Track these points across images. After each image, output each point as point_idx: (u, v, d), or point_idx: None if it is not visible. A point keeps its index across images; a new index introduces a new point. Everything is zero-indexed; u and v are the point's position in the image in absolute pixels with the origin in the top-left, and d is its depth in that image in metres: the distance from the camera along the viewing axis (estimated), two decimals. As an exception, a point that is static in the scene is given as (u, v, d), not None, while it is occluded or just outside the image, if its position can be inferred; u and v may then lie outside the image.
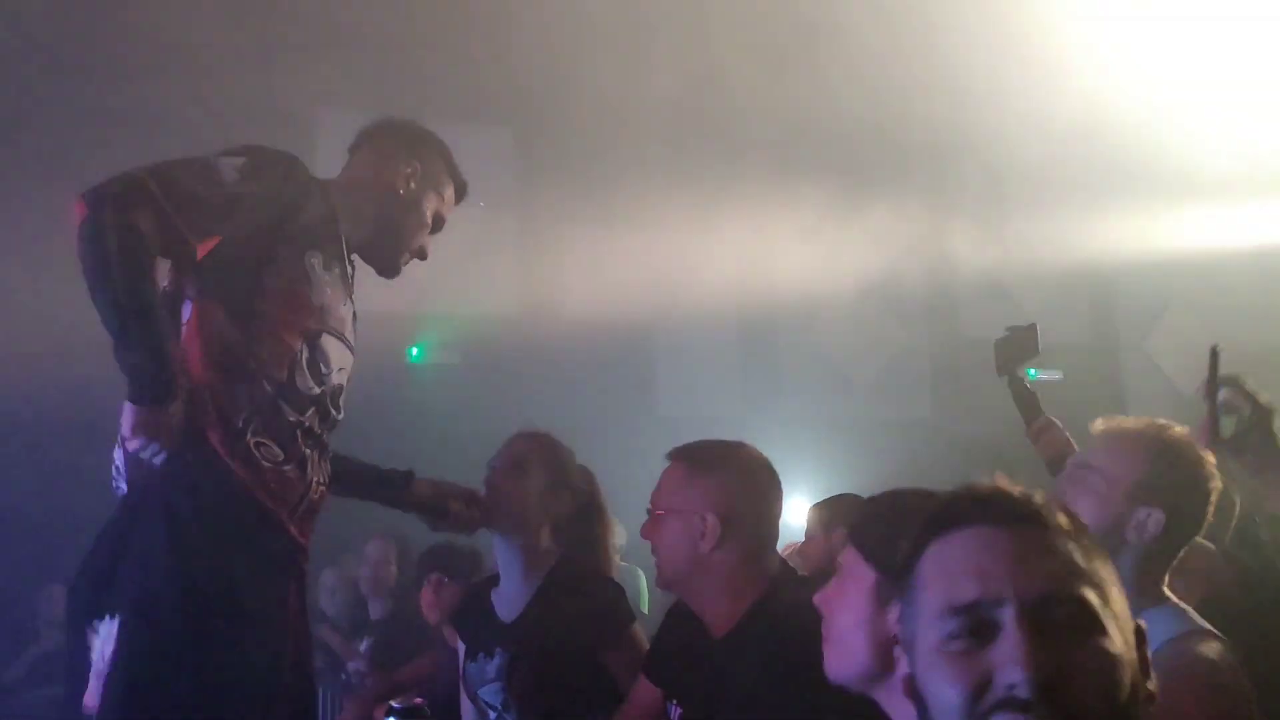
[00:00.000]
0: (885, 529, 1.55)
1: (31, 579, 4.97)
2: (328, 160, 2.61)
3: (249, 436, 2.18)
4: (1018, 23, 5.93)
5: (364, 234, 2.44)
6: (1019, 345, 3.53)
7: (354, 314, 2.46)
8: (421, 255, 2.54)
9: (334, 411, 2.36)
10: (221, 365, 2.17)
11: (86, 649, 2.12)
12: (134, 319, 2.02)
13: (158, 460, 2.10)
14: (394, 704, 1.82)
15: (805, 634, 1.71)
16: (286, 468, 2.23)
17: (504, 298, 7.31)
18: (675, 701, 2.25)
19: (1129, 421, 2.01)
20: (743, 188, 7.19)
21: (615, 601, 2.66)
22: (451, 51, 6.20)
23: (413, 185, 2.50)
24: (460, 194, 2.62)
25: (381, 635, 4.31)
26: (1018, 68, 6.35)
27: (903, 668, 1.17)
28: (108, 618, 2.09)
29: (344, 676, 4.33)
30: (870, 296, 7.75)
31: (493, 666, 2.65)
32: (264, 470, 2.20)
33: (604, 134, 7.21)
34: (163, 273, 2.22)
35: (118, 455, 2.20)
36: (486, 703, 2.66)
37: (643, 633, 2.65)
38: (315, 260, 2.30)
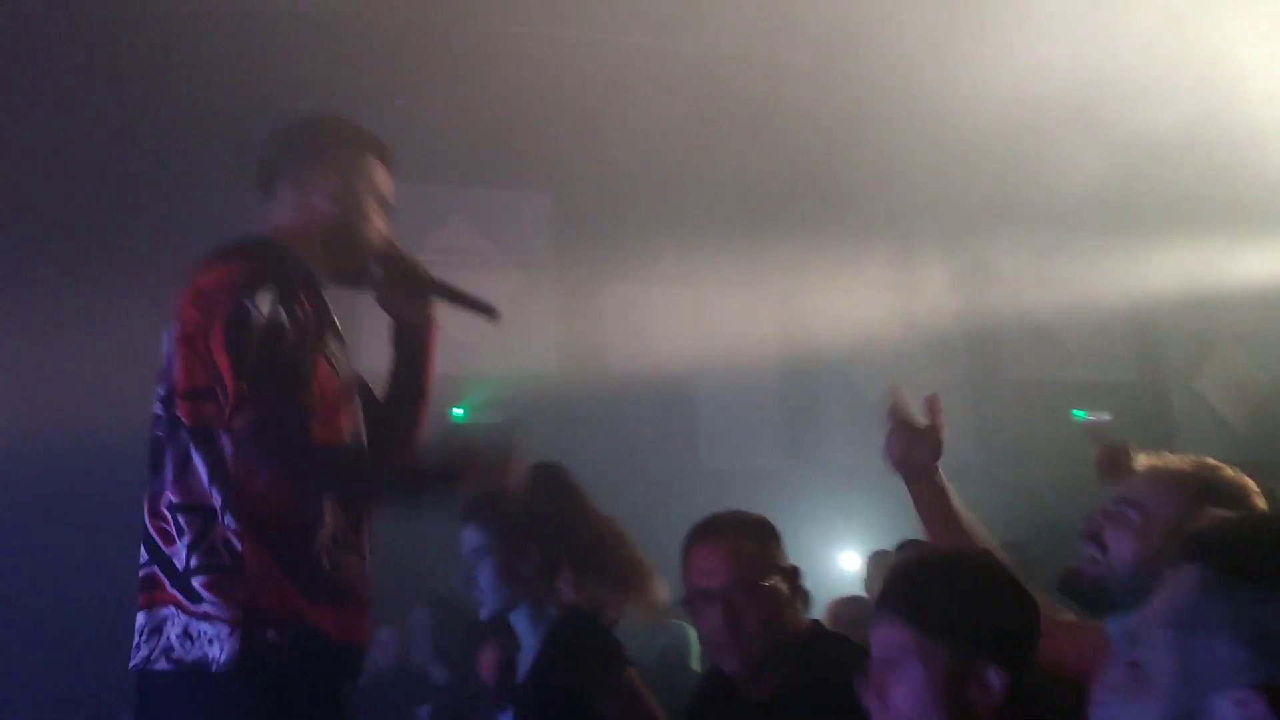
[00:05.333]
0: (958, 599, 1.55)
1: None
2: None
3: (327, 559, 2.11)
4: (1055, 59, 5.93)
5: (327, 270, 2.30)
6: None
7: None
8: (387, 250, 2.37)
9: None
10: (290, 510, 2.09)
11: None
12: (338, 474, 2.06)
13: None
14: None
15: (842, 694, 1.69)
16: (361, 564, 2.18)
17: (545, 356, 7.35)
18: None
19: (1176, 460, 1.95)
20: (780, 239, 7.22)
21: (608, 652, 2.64)
22: (487, 115, 6.32)
23: (342, 197, 2.30)
24: (385, 158, 2.39)
25: (440, 701, 4.31)
26: (1057, 108, 6.36)
27: None
28: None
29: None
30: (911, 341, 7.71)
31: None
32: (343, 591, 2.13)
33: (641, 191, 7.29)
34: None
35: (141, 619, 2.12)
36: None
37: (640, 681, 2.63)
38: (329, 339, 2.21)
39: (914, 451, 2.27)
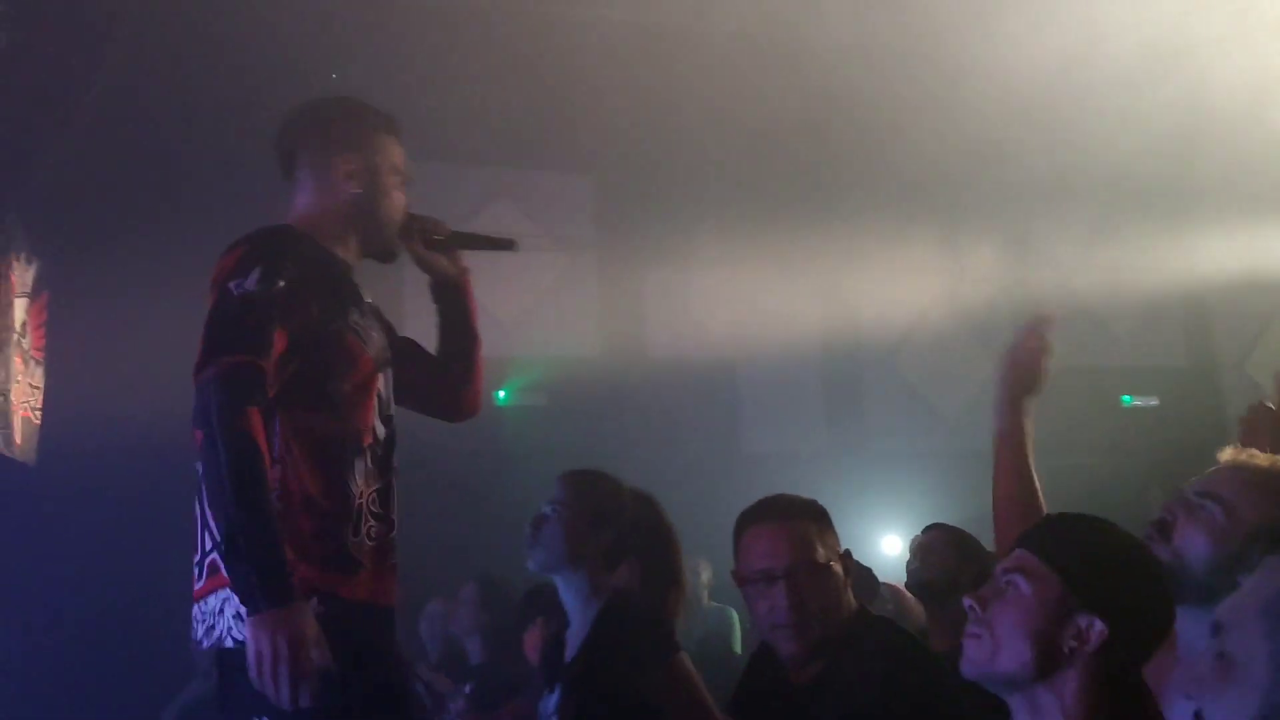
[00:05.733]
0: (1081, 549, 1.56)
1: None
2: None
3: (359, 529, 2.19)
4: (1106, 28, 5.83)
5: (354, 251, 2.39)
6: None
7: (375, 312, 2.42)
8: (408, 220, 2.45)
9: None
10: (326, 463, 2.18)
11: None
12: (242, 531, 2.01)
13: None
14: None
15: (887, 679, 1.70)
16: (391, 534, 2.26)
17: (588, 340, 7.38)
18: None
19: (1265, 458, 1.89)
20: (825, 223, 7.18)
21: (661, 633, 2.68)
22: (530, 99, 6.33)
23: (360, 176, 2.37)
24: (396, 132, 2.45)
25: (482, 678, 4.35)
26: (1108, 82, 6.25)
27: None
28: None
29: (446, 718, 4.38)
30: (956, 327, 7.65)
31: (553, 702, 2.76)
32: (373, 556, 2.21)
33: (683, 175, 7.28)
34: None
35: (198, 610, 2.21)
36: None
37: (690, 665, 2.66)
38: (354, 315, 2.29)
39: (1025, 373, 2.30)
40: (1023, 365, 2.31)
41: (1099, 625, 1.51)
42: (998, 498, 2.25)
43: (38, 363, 5.63)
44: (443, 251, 2.51)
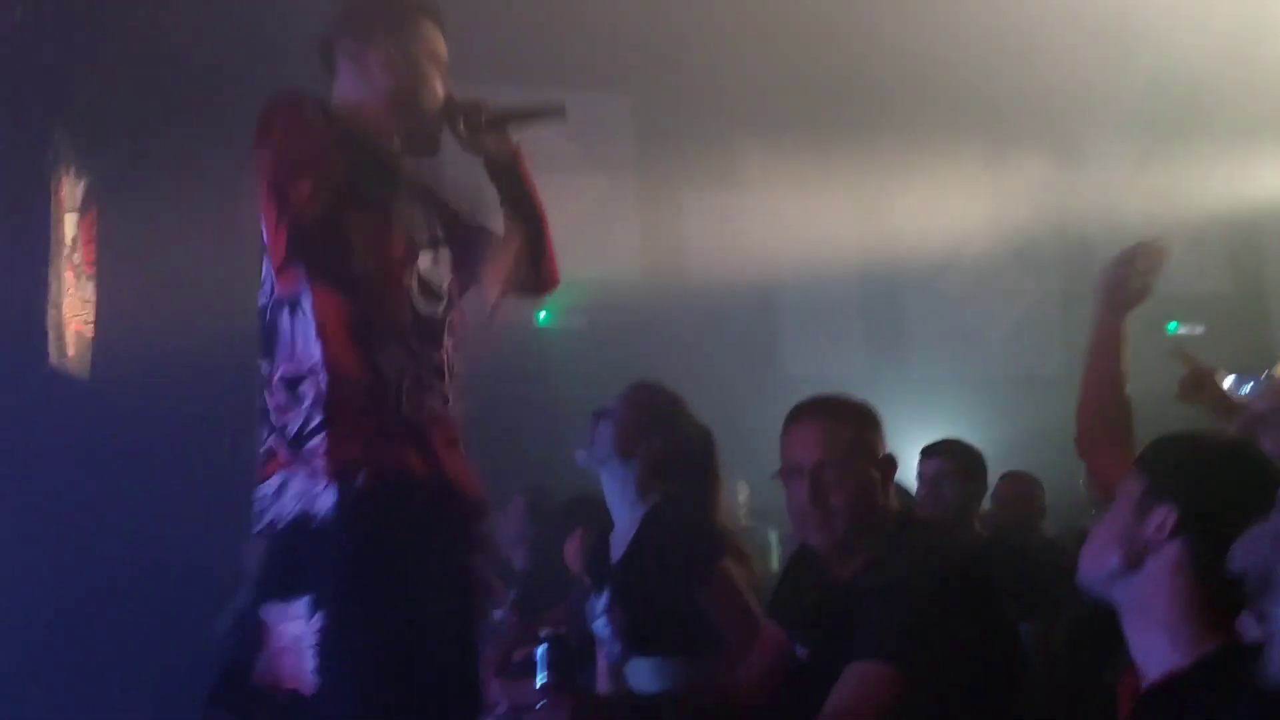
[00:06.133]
0: (1168, 448, 1.65)
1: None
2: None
3: (404, 403, 2.22)
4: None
5: (398, 137, 2.38)
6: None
7: (425, 195, 2.42)
8: (449, 105, 2.41)
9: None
10: (357, 340, 2.21)
11: (262, 627, 2.18)
12: None
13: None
14: (541, 634, 1.93)
15: (930, 574, 1.74)
16: (444, 407, 2.29)
17: (627, 262, 7.38)
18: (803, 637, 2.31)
19: None
20: (866, 143, 7.09)
21: (707, 539, 2.76)
22: (567, 18, 6.26)
23: (399, 66, 2.34)
24: (434, 17, 2.43)
25: (525, 586, 4.48)
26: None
27: None
28: (294, 600, 2.14)
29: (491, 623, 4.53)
30: (1000, 250, 7.56)
31: (601, 603, 2.87)
32: (425, 430, 2.24)
33: (722, 94, 7.19)
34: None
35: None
36: (598, 636, 2.91)
37: (735, 571, 2.74)
38: (386, 193, 2.29)
39: (1125, 282, 2.40)
40: (1129, 279, 2.39)
41: (1172, 514, 1.57)
42: (1085, 409, 2.36)
43: (89, 277, 5.72)
44: (490, 132, 2.45)
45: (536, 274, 2.55)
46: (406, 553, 2.15)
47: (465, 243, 2.46)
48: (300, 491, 2.16)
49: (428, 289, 2.34)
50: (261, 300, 2.29)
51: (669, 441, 2.86)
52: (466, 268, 2.45)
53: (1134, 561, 1.57)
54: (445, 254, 2.39)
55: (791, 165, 7.15)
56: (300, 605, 2.12)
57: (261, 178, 2.21)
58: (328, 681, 2.08)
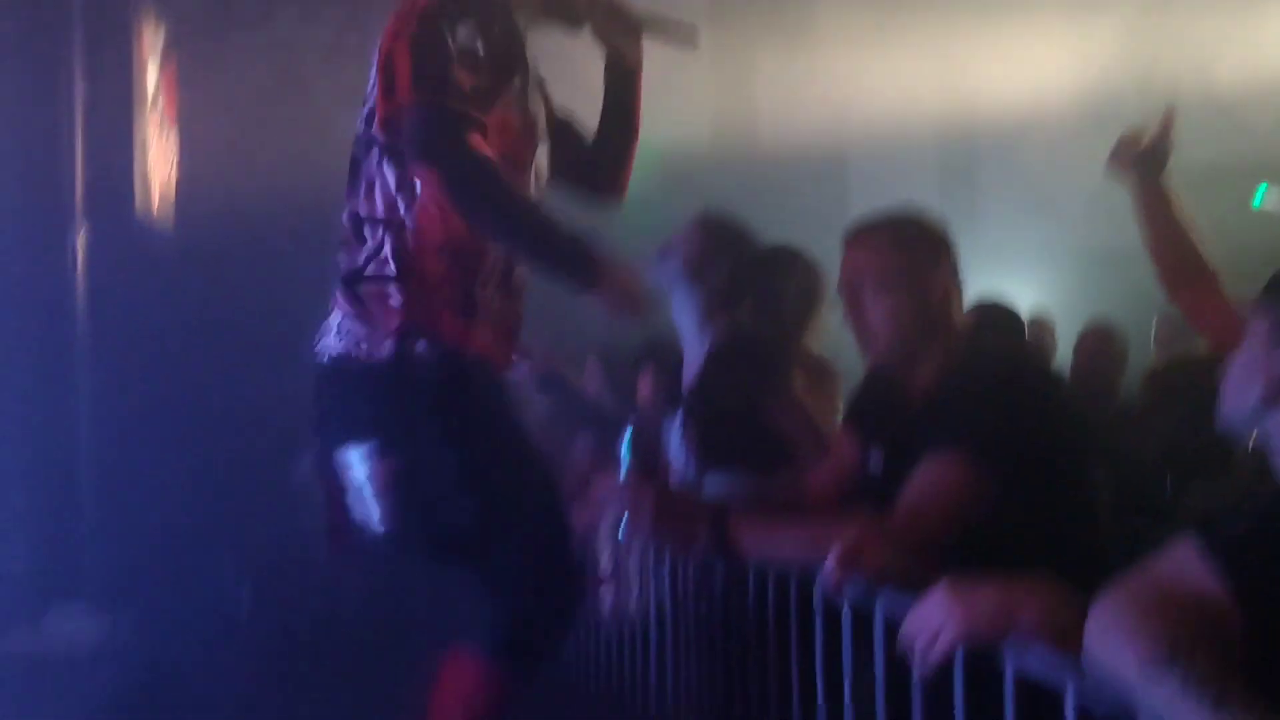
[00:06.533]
0: None
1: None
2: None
3: (492, 284, 2.29)
4: None
5: (537, 6, 2.39)
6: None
7: (541, 84, 2.43)
8: None
9: None
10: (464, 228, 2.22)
11: (336, 476, 2.30)
12: (530, 233, 2.15)
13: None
14: (629, 421, 2.01)
15: (1001, 374, 1.99)
16: (509, 300, 2.36)
17: (696, 126, 7.28)
18: (876, 448, 2.34)
19: None
20: (941, 3, 6.87)
21: (773, 355, 2.82)
22: None
23: None
24: None
25: (601, 424, 4.64)
26: None
27: None
28: (358, 444, 2.25)
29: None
30: (1079, 115, 7.34)
31: (676, 425, 2.96)
32: (496, 311, 2.31)
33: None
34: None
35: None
36: (674, 458, 3.00)
37: (814, 388, 2.84)
38: (519, 81, 2.31)
39: (1140, 157, 2.52)
40: (1157, 144, 2.50)
41: None
42: (1158, 254, 2.54)
43: (172, 126, 5.77)
44: (626, 33, 2.48)
45: (610, 184, 2.58)
46: (458, 415, 2.22)
47: (558, 135, 2.48)
48: (349, 331, 2.24)
49: (539, 178, 2.39)
50: (359, 129, 2.29)
51: (736, 265, 2.92)
52: (557, 161, 2.48)
53: (1276, 394, 1.56)
54: (545, 146, 2.42)
55: (866, 23, 6.95)
56: (356, 451, 2.24)
57: (406, 32, 2.17)
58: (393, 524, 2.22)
